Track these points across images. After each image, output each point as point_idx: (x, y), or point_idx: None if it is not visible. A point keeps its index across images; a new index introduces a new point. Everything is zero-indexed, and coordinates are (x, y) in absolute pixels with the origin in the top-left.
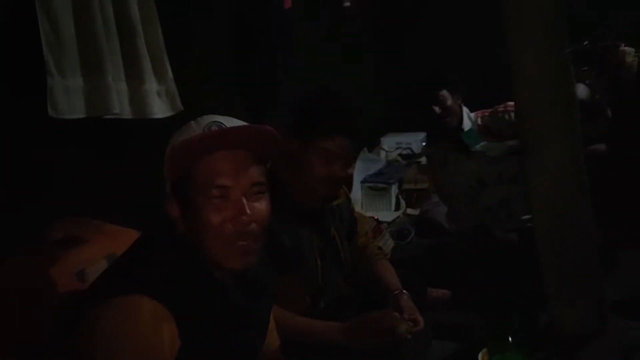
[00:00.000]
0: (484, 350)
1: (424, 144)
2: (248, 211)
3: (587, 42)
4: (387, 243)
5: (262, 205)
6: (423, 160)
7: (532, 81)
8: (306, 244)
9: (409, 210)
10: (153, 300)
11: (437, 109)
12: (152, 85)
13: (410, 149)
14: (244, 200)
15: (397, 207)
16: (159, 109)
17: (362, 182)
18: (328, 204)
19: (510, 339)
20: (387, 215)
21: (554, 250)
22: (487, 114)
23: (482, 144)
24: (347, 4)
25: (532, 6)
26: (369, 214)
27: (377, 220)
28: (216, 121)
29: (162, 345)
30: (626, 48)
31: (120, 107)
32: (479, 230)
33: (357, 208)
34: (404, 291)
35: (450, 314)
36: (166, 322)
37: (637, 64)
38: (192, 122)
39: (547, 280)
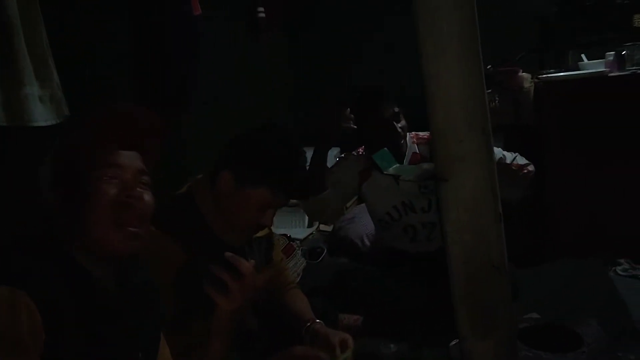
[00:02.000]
0: None
1: (337, 159)
2: (137, 190)
3: (489, 67)
4: (298, 263)
5: (149, 198)
6: None
7: (449, 102)
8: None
9: (322, 227)
10: (14, 289)
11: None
12: (33, 90)
13: None
14: (133, 182)
15: (310, 224)
16: (41, 115)
17: None
18: (249, 240)
19: None
20: (299, 232)
21: (467, 283)
22: (424, 138)
23: (395, 166)
24: (262, 15)
25: (445, 19)
26: (280, 231)
27: (288, 237)
28: None
29: (20, 336)
30: (524, 74)
31: None
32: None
33: None
34: (318, 321)
35: (361, 341)
36: (26, 312)
37: (534, 89)
38: None
39: (459, 314)
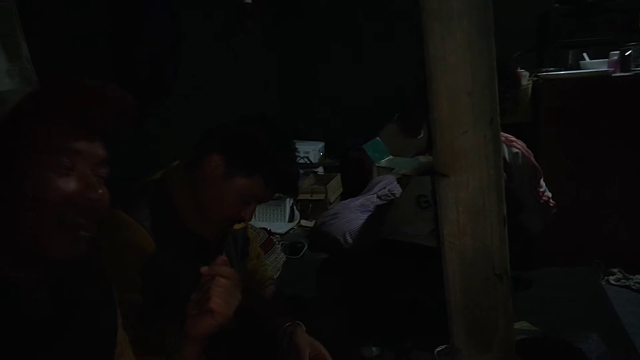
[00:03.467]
0: None
1: (321, 153)
2: (99, 189)
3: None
4: (278, 258)
5: (105, 191)
6: (320, 170)
7: (453, 89)
8: (188, 277)
9: (304, 222)
10: None
11: None
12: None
13: (307, 157)
14: (93, 176)
15: (292, 219)
16: (11, 87)
17: None
18: (224, 233)
19: None
20: (280, 226)
21: (465, 291)
22: None
23: (388, 158)
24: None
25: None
26: (261, 225)
27: (268, 232)
28: None
29: None
30: (522, 71)
31: None
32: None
33: None
34: (298, 322)
35: (342, 342)
36: None
37: (532, 87)
38: None
39: (453, 325)
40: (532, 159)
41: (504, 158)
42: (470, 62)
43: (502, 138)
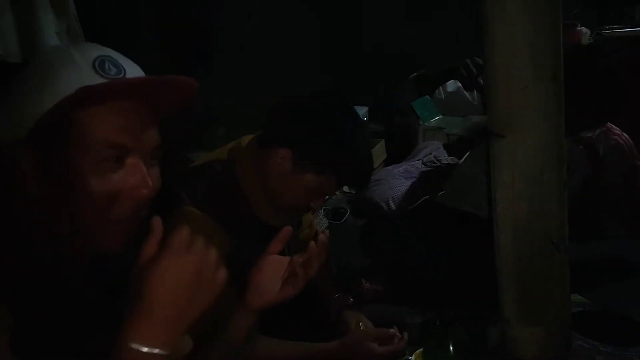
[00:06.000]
0: (418, 351)
1: (365, 119)
2: (150, 183)
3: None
4: (320, 223)
5: (156, 175)
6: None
7: (512, 40)
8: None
9: (346, 188)
10: None
11: None
12: (48, 22)
13: None
14: (144, 168)
15: None
16: None
17: None
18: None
19: (451, 348)
20: None
21: (518, 261)
22: None
23: (437, 117)
24: None
25: None
26: None
27: None
28: (108, 56)
29: None
30: (583, 28)
31: (5, 47)
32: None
33: None
34: (345, 294)
35: (384, 308)
36: None
37: (593, 46)
38: (72, 50)
39: (504, 295)
40: (637, 159)
41: (597, 151)
42: (531, 10)
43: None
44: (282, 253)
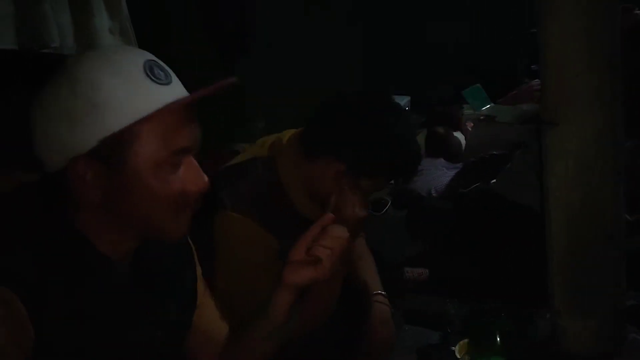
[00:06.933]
0: (463, 342)
1: (407, 108)
2: (205, 177)
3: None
4: None
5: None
6: None
7: (567, 26)
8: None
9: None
10: None
11: None
12: (102, 21)
13: None
14: (196, 164)
15: None
16: None
17: None
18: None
19: (498, 339)
20: None
21: (569, 251)
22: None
23: (489, 106)
24: None
25: None
26: None
27: None
28: (153, 61)
29: None
30: (629, 5)
31: (62, 40)
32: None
33: None
34: (382, 294)
35: (426, 298)
36: (6, 313)
37: None
38: (120, 58)
39: (555, 287)
40: None
41: None
42: None
43: None
44: None
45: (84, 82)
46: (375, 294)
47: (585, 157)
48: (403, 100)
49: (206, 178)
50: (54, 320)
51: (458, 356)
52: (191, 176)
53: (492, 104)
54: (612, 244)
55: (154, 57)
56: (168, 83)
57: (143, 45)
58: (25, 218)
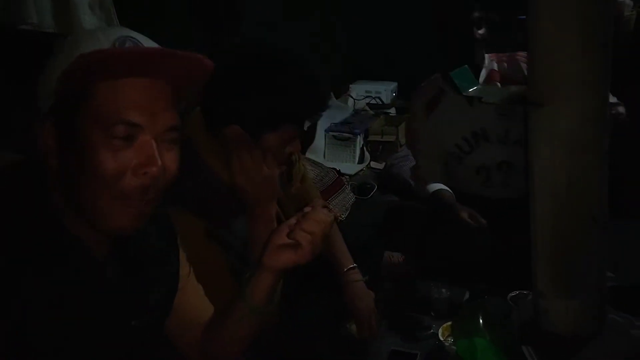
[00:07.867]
0: (446, 324)
1: (394, 94)
2: (159, 161)
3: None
4: (347, 198)
5: (173, 158)
6: (392, 111)
7: (561, 6)
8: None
9: (373, 164)
10: None
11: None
12: None
13: (379, 98)
14: (155, 147)
15: (361, 160)
16: (90, 24)
17: (327, 130)
18: None
19: (481, 320)
20: (349, 167)
21: (554, 233)
22: (504, 58)
23: (476, 87)
24: None
25: None
26: (331, 164)
27: (338, 172)
28: (130, 36)
29: None
30: (625, 0)
31: (40, 17)
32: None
33: (320, 158)
34: (354, 267)
35: (410, 282)
36: None
37: (635, 17)
38: (98, 31)
39: (538, 268)
40: None
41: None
42: None
43: None
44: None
45: (65, 49)
46: (348, 269)
47: (573, 139)
48: (390, 86)
49: (160, 162)
50: (25, 307)
51: (441, 338)
52: (143, 156)
53: (480, 85)
54: (597, 226)
55: (134, 35)
56: None
57: (126, 23)
58: (2, 200)
